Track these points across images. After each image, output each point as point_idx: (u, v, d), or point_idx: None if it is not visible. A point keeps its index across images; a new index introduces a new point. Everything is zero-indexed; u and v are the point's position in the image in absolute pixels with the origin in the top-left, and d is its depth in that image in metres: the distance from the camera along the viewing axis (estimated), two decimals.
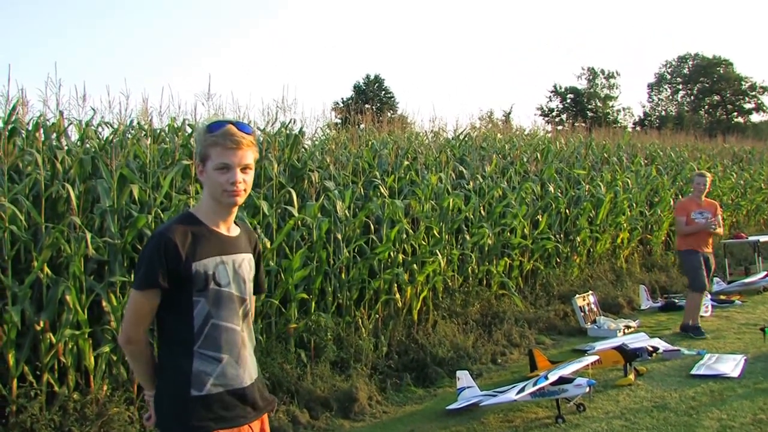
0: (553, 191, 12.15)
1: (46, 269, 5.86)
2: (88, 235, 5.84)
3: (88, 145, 7.33)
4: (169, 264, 2.76)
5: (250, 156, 2.87)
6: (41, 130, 6.93)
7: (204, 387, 2.79)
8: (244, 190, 2.87)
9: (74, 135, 7.66)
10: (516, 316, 9.73)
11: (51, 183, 6.42)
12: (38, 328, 5.68)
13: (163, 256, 2.75)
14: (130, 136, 7.67)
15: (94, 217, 6.41)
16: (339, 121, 14.42)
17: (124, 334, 2.89)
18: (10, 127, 6.67)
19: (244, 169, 2.85)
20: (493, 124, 17.90)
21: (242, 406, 2.88)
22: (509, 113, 30.29)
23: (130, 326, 2.86)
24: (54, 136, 7.09)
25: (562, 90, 62.96)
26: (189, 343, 2.80)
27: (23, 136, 6.86)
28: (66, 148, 7.05)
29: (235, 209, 2.96)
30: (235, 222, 3.03)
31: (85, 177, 6.66)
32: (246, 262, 2.97)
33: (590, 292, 10.81)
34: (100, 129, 8.05)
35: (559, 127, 25.18)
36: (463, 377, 6.94)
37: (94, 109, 7.99)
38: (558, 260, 12.01)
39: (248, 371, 2.93)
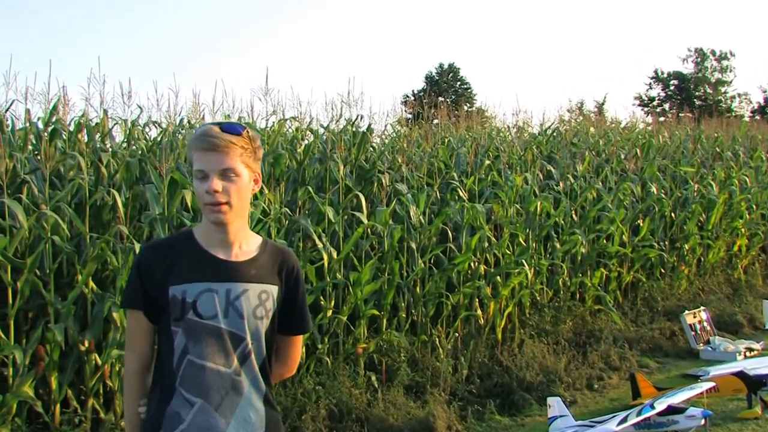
0: (655, 192, 11.97)
1: (91, 284, 5.95)
2: (137, 246, 5.86)
3: (134, 147, 7.46)
4: (145, 285, 2.67)
5: (232, 159, 2.59)
6: (84, 131, 7.06)
7: None
8: (228, 203, 2.61)
9: (119, 136, 7.79)
10: (614, 334, 9.63)
11: (95, 189, 6.52)
12: (83, 348, 5.74)
13: (138, 275, 2.69)
14: (180, 136, 7.75)
15: (142, 226, 6.44)
16: (410, 116, 14.42)
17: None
18: (50, 128, 6.83)
19: (225, 175, 2.59)
20: (584, 116, 17.71)
21: None
22: (603, 104, 30.04)
23: (125, 349, 2.84)
24: (98, 137, 7.22)
25: (665, 75, 61.61)
26: (172, 378, 2.66)
27: (65, 137, 7.00)
28: (111, 150, 7.17)
29: (232, 228, 2.69)
30: (267, 243, 2.83)
31: (132, 182, 6.76)
32: (252, 293, 2.70)
33: (702, 308, 10.57)
34: (147, 129, 8.22)
35: (662, 119, 24.72)
36: (555, 405, 6.80)
37: (140, 107, 8.12)
38: (663, 271, 11.87)
39: (234, 425, 2.65)
